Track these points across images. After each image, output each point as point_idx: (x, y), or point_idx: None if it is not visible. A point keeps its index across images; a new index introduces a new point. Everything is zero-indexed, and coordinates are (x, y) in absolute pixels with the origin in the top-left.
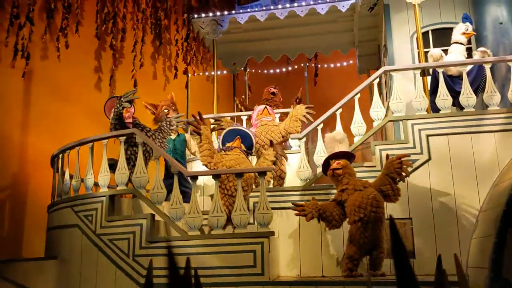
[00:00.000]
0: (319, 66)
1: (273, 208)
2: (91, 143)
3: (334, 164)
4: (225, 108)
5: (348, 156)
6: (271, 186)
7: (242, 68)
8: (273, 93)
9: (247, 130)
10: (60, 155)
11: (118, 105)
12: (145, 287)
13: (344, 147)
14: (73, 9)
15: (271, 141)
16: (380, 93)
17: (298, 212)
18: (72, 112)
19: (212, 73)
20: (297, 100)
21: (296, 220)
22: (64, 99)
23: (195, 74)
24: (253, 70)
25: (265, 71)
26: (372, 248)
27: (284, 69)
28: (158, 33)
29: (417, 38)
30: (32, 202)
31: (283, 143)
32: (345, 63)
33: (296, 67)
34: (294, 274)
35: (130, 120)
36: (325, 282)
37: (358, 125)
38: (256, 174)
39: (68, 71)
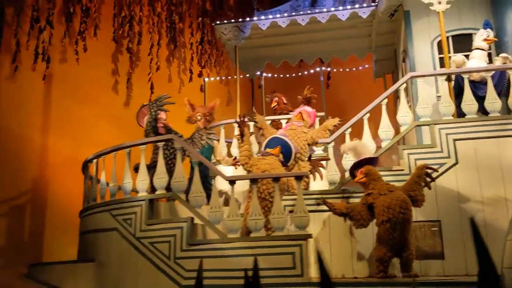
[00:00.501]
0: (334, 70)
1: None
2: (128, 149)
3: (358, 174)
4: (242, 112)
5: (371, 161)
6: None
7: (258, 73)
8: (274, 106)
9: (291, 144)
10: (95, 160)
11: (155, 109)
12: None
13: (365, 154)
14: (91, 13)
15: (310, 156)
16: (398, 97)
17: (328, 206)
18: (91, 114)
19: (229, 77)
20: (306, 99)
21: (327, 222)
22: (82, 101)
23: (212, 78)
24: (270, 75)
25: (281, 75)
26: (401, 250)
27: (299, 74)
28: (173, 36)
29: (439, 44)
30: (52, 204)
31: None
32: (360, 68)
33: (312, 71)
34: None
35: (162, 125)
36: (368, 283)
37: (386, 130)
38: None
39: (87, 74)
